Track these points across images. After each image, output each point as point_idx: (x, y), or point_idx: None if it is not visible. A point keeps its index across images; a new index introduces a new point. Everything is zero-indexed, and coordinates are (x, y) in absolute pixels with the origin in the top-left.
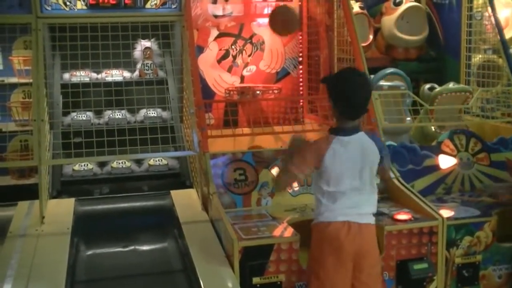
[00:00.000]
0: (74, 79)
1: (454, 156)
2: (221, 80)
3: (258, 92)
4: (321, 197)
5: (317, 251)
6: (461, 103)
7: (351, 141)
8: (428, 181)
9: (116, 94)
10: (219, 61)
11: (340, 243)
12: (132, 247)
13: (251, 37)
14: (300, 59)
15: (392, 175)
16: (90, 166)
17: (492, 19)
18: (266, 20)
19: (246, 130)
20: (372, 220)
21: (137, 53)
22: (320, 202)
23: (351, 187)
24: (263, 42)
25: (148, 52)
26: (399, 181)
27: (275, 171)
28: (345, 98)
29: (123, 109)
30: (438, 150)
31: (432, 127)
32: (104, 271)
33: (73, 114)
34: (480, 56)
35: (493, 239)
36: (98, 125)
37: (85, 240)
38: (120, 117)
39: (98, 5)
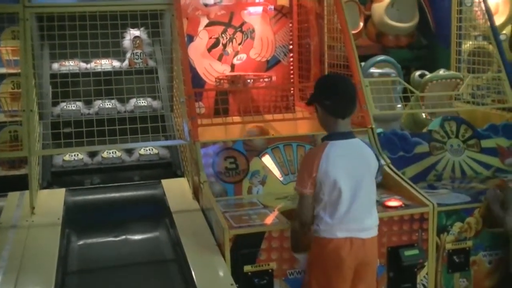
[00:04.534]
0: (63, 69)
1: (445, 142)
2: (212, 69)
3: (249, 80)
4: (321, 211)
5: (317, 264)
6: (452, 90)
7: (347, 146)
8: (419, 168)
9: (105, 84)
10: (209, 50)
11: (341, 260)
12: (123, 237)
13: (241, 26)
14: (291, 47)
15: (382, 162)
16: (80, 156)
17: (482, 5)
18: (256, 9)
19: (237, 118)
20: (375, 232)
21: (127, 42)
22: (320, 218)
23: (351, 196)
24: (253, 31)
25: (138, 41)
26: (390, 168)
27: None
28: (331, 97)
29: (113, 98)
30: (429, 137)
31: (423, 114)
32: (95, 261)
33: (63, 104)
34: (471, 42)
35: (484, 225)
36: (88, 115)
37: (76, 230)
38: (110, 106)
39: None
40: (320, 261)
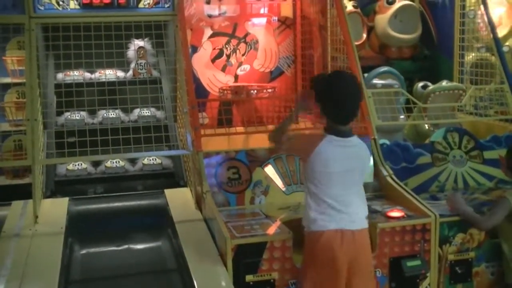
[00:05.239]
0: (68, 79)
1: (447, 154)
2: (215, 80)
3: (252, 91)
4: (310, 200)
5: (310, 260)
6: (455, 101)
7: (343, 143)
8: (421, 179)
9: (109, 94)
10: (213, 61)
11: (334, 253)
12: (126, 246)
13: (245, 37)
14: (294, 58)
15: (385, 172)
16: (84, 166)
17: (485, 17)
18: (260, 20)
19: (240, 129)
20: (365, 224)
21: (131, 52)
22: (309, 207)
23: (341, 189)
24: (257, 41)
25: (142, 52)
26: (392, 179)
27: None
28: (332, 104)
29: (116, 108)
30: (432, 148)
31: (426, 125)
32: (98, 271)
33: (67, 113)
34: (474, 54)
35: (486, 236)
36: (92, 124)
37: (79, 239)
38: (114, 116)
39: (91, 4)
40: (314, 257)
